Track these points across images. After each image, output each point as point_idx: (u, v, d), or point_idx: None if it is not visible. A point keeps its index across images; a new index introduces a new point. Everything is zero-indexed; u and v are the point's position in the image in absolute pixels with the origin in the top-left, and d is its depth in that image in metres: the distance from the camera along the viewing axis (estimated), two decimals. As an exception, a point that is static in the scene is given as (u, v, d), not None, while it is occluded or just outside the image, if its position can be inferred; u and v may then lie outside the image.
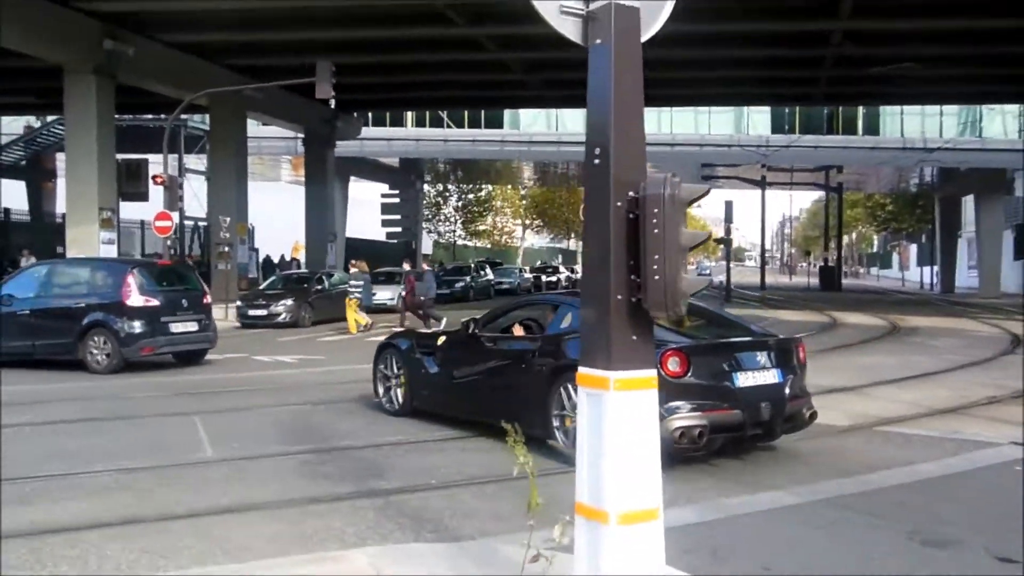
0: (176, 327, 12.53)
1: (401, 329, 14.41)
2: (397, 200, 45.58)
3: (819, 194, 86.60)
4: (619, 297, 3.44)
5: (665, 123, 47.36)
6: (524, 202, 79.19)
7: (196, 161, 42.26)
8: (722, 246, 42.52)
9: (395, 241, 48.15)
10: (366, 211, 59.75)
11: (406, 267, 24.72)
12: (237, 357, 14.55)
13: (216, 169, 31.97)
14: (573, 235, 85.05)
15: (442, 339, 8.67)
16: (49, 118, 40.83)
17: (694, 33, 27.36)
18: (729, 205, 34.73)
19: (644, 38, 3.54)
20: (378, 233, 55.96)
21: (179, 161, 36.53)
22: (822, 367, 12.93)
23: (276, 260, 45.06)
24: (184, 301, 12.82)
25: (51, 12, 22.28)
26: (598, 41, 3.54)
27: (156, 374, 12.52)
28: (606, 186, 3.47)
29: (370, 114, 43.08)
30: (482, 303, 31.94)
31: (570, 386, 6.52)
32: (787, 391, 6.95)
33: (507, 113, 47.59)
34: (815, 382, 10.48)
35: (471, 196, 65.87)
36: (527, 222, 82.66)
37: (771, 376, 6.94)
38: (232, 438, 7.73)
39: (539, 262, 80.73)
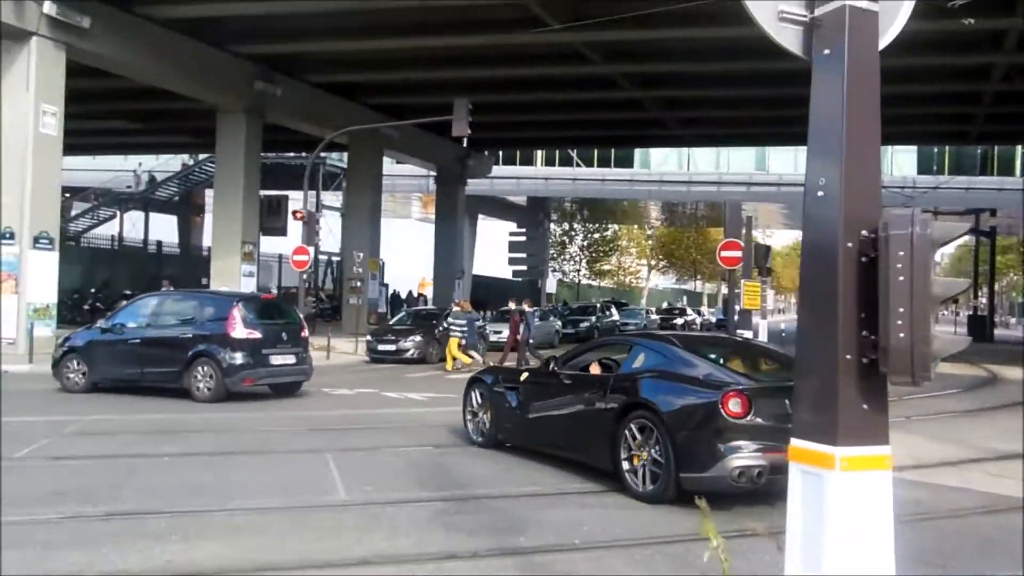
0: (276, 359, 12.78)
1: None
2: (524, 238, 45.52)
3: (964, 239, 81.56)
4: (848, 357, 2.84)
5: (803, 162, 45.52)
6: (650, 242, 78.01)
7: (332, 198, 43.81)
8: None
9: (519, 279, 48.15)
10: (492, 249, 60.49)
11: (511, 305, 24.28)
12: (368, 393, 14.46)
13: (352, 205, 32.82)
14: (700, 276, 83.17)
15: (525, 375, 9.10)
16: (200, 156, 43.24)
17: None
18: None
19: (881, 46, 2.96)
20: (503, 271, 56.34)
21: (316, 197, 37.85)
22: (991, 428, 11.67)
23: (404, 296, 45.90)
24: (284, 334, 13.08)
25: (211, 56, 23.50)
26: (826, 51, 2.97)
27: (288, 408, 12.51)
28: (833, 223, 2.89)
29: (500, 153, 43.45)
30: (608, 345, 31.20)
31: (634, 425, 7.12)
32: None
33: (637, 152, 47.06)
34: (988, 446, 9.44)
35: (596, 235, 65.30)
36: (652, 262, 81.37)
37: None
38: (365, 479, 7.42)
39: (665, 303, 79.22)
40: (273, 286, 41.31)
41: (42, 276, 19.44)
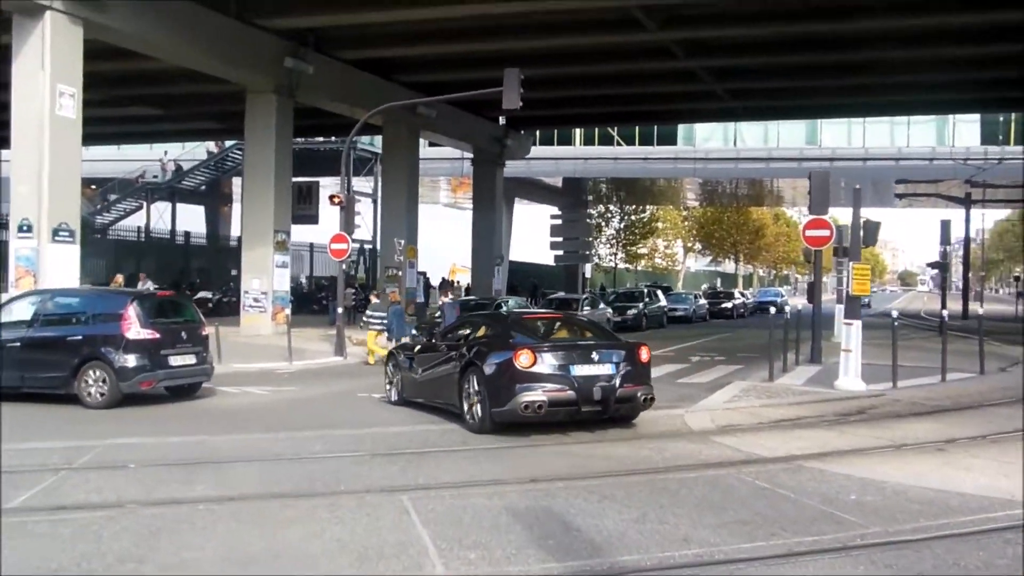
0: (175, 360, 12.05)
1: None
2: (563, 222, 43.58)
3: (1005, 212, 78.20)
4: None
5: (857, 135, 43.19)
6: (687, 223, 75.68)
7: (363, 184, 42.12)
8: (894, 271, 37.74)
9: (560, 265, 46.22)
10: (527, 234, 58.55)
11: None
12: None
13: (387, 190, 31.12)
14: (740, 258, 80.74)
15: (418, 347, 12.09)
16: (228, 143, 41.75)
17: (893, 31, 24.04)
18: (946, 225, 30.54)
19: None
20: (539, 256, 54.46)
21: (348, 183, 36.17)
22: None
23: (436, 284, 44.21)
24: (183, 333, 12.37)
25: (236, 31, 21.83)
26: None
27: (343, 423, 10.83)
28: None
29: (537, 133, 41.46)
30: (656, 333, 29.32)
31: (470, 378, 9.72)
32: (619, 380, 9.48)
33: (681, 129, 44.88)
34: None
35: (633, 217, 63.05)
36: (689, 244, 79.06)
37: (605, 368, 9.54)
38: (462, 536, 5.66)
39: (704, 286, 76.97)
40: (304, 276, 39.87)
41: (62, 271, 17.89)
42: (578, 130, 44.85)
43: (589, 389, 9.32)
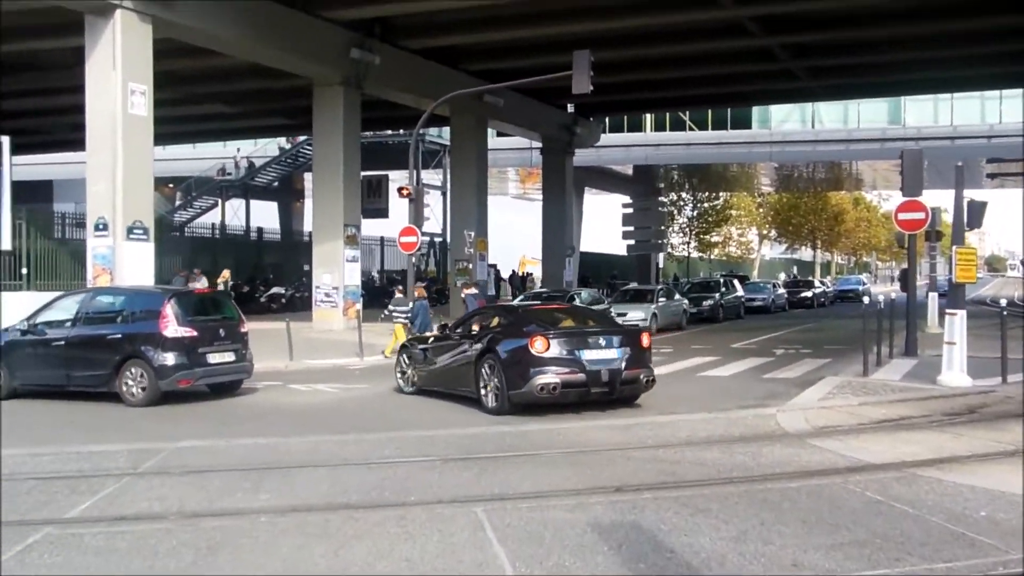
0: (213, 357, 11.96)
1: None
2: (635, 210, 42.69)
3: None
4: None
5: (944, 112, 41.08)
6: (761, 210, 73.52)
7: (430, 176, 41.94)
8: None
9: (633, 255, 45.33)
10: (597, 223, 57.71)
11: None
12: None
13: (456, 182, 30.80)
14: (817, 244, 78.15)
15: (431, 338, 12.74)
16: (299, 139, 42.06)
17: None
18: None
19: None
20: (609, 246, 53.60)
21: (416, 175, 35.97)
22: None
23: (506, 276, 43.78)
24: (221, 331, 12.27)
25: (302, 24, 21.70)
26: None
27: (413, 424, 10.45)
28: None
29: (607, 120, 40.59)
30: (734, 325, 28.28)
31: (486, 364, 10.64)
32: (624, 364, 10.43)
33: (755, 112, 43.40)
34: None
35: (706, 205, 61.44)
36: (764, 232, 76.84)
37: (611, 353, 10.48)
38: (543, 557, 5.13)
39: (782, 274, 74.78)
40: (375, 271, 39.90)
41: (138, 269, 18.01)
42: (649, 116, 43.78)
43: (597, 372, 10.30)
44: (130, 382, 11.46)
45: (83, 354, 11.85)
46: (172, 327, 11.53)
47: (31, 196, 36.28)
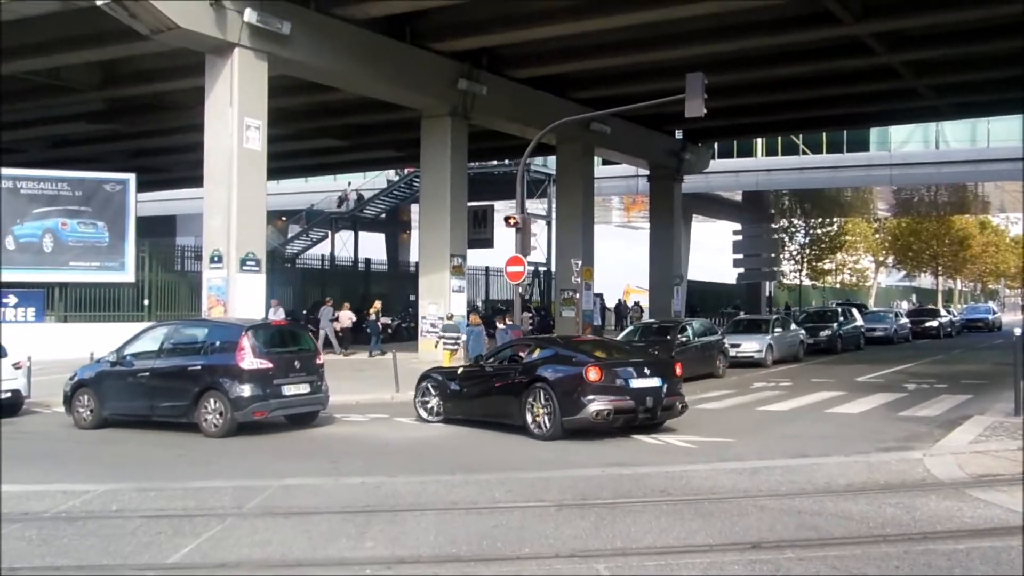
0: (288, 389, 12.08)
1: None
2: (745, 237, 41.33)
3: None
4: None
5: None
6: (878, 236, 70.21)
7: (536, 206, 41.77)
8: None
9: (743, 283, 43.86)
10: (703, 251, 56.35)
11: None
12: (632, 438, 11.61)
13: (562, 211, 30.43)
14: (939, 270, 73.95)
15: (461, 369, 13.28)
16: (405, 171, 42.73)
17: None
18: None
19: None
20: (717, 275, 52.13)
21: (522, 203, 35.86)
22: None
23: (612, 305, 43.01)
24: (297, 362, 12.39)
25: (411, 57, 21.88)
26: None
27: (514, 460, 9.94)
28: None
29: (716, 145, 39.51)
30: (854, 356, 26.65)
31: (536, 392, 11.22)
32: (664, 391, 11.33)
33: (873, 133, 41.45)
34: None
35: (820, 231, 59.03)
36: (880, 258, 73.31)
37: (655, 381, 11.36)
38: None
39: (904, 303, 71.13)
40: (480, 300, 39.85)
41: (250, 299, 18.35)
42: (759, 140, 42.45)
43: (643, 398, 11.07)
44: (208, 413, 11.62)
45: (165, 384, 12.14)
46: (248, 359, 11.68)
47: (156, 231, 38.09)
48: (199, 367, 12.01)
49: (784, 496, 7.56)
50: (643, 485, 8.17)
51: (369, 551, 6.02)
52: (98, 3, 16.11)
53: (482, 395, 12.23)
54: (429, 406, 12.88)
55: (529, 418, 11.17)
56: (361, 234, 45.39)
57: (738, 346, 23.05)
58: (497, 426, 11.81)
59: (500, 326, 18.92)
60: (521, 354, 12.65)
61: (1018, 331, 12.27)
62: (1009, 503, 7.10)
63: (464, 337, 19.10)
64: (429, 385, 13.00)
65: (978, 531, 6.30)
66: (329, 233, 44.20)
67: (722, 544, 6.04)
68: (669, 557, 5.75)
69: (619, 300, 48.64)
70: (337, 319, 25.74)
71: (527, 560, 5.75)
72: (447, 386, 12.71)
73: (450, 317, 20.78)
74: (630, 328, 23.77)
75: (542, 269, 41.91)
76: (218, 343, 12.25)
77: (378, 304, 26.14)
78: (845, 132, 40.85)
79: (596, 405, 10.75)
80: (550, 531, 6.46)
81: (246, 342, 11.75)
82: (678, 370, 11.99)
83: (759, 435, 11.45)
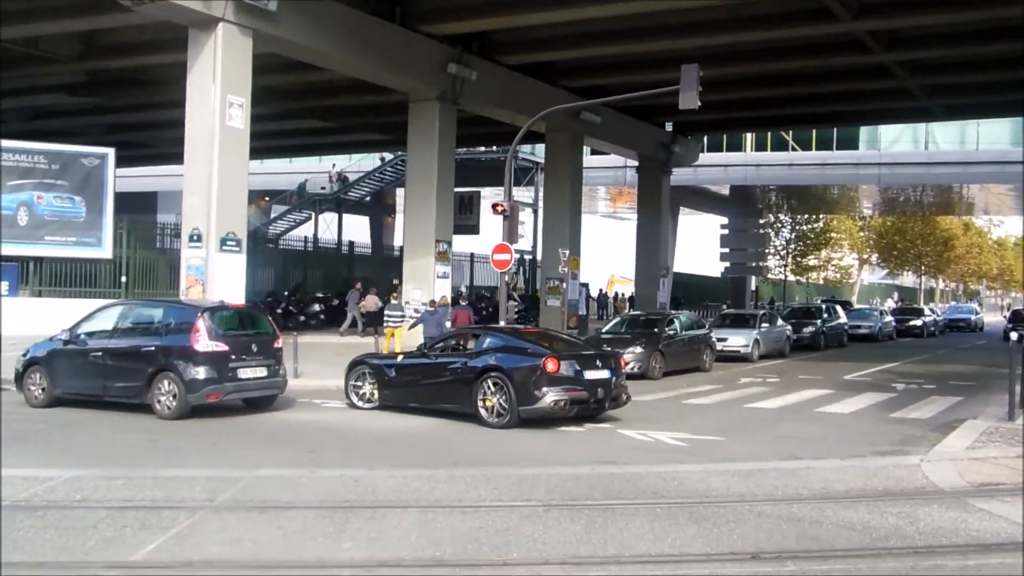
0: (245, 372, 11.89)
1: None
2: (732, 232, 41.19)
3: None
4: None
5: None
6: (863, 234, 70.37)
7: (522, 193, 41.36)
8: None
9: (727, 277, 43.77)
10: (690, 244, 56.05)
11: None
12: (600, 429, 11.33)
13: (549, 199, 30.09)
14: (923, 270, 74.28)
15: (401, 356, 13.67)
16: (389, 156, 42.17)
17: None
18: None
19: None
20: (702, 268, 51.94)
21: (509, 191, 35.46)
22: None
23: (595, 295, 42.77)
24: (254, 346, 12.19)
25: (401, 39, 21.39)
26: None
27: (477, 444, 9.63)
28: None
29: (705, 138, 39.25)
30: (838, 353, 26.53)
31: (490, 381, 11.38)
32: (613, 382, 11.85)
33: (863, 131, 41.35)
34: None
35: (806, 227, 59.02)
36: (865, 256, 73.52)
37: (605, 373, 11.84)
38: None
39: (890, 301, 71.37)
40: (464, 287, 39.46)
41: (229, 280, 17.84)
42: (749, 135, 42.24)
43: (595, 389, 11.53)
44: (161, 395, 11.41)
45: (119, 364, 11.93)
46: (203, 341, 11.46)
47: (136, 207, 37.32)
48: (153, 348, 11.83)
49: (781, 501, 7.27)
50: (634, 486, 7.85)
51: (347, 553, 5.66)
52: (78, -30, 15.56)
53: (427, 383, 12.25)
54: (362, 392, 12.79)
55: (481, 406, 11.30)
56: (345, 217, 44.82)
57: (725, 340, 22.86)
58: (440, 414, 11.81)
59: (428, 308, 18.94)
60: (466, 343, 12.71)
61: (1014, 336, 12.07)
62: (1013, 515, 6.84)
63: (406, 316, 19.25)
64: (365, 371, 12.90)
65: (986, 546, 6.03)
66: (312, 215, 43.61)
67: (720, 553, 5.74)
68: (666, 567, 5.44)
69: (601, 290, 48.45)
70: (363, 302, 25.70)
71: (515, 566, 5.42)
72: (385, 372, 12.67)
73: (395, 296, 20.53)
74: (616, 319, 23.47)
75: (527, 257, 41.58)
76: (173, 324, 12.01)
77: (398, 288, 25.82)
78: (835, 130, 40.73)
79: (553, 395, 11.09)
80: (538, 534, 6.13)
81: (201, 324, 11.55)
82: (623, 362, 12.69)
83: (749, 434, 11.19)
